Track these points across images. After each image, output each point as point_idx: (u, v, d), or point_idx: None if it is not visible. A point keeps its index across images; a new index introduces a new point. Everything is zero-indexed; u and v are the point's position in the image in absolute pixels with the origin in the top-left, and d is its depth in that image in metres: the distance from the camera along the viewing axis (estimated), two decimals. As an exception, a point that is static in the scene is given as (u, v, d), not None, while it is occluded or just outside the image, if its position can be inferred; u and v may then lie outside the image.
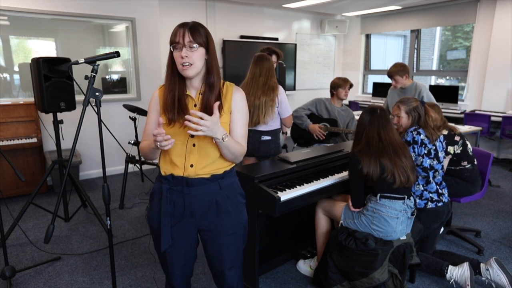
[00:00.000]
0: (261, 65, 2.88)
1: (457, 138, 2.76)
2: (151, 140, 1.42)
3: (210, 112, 1.37)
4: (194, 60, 1.37)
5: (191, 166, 1.45)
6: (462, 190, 2.79)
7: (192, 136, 1.42)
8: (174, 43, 1.37)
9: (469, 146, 2.82)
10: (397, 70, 3.55)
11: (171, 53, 1.41)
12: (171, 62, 1.43)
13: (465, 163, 2.77)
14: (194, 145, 1.44)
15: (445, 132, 2.75)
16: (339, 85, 3.43)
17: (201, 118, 1.28)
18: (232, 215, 1.52)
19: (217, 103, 1.37)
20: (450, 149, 2.74)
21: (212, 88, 1.44)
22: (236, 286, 1.63)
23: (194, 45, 1.36)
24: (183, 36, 1.35)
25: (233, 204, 1.53)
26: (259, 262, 2.30)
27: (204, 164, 1.45)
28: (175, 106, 1.42)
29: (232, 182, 1.55)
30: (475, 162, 2.85)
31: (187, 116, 1.29)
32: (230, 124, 1.49)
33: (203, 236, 1.55)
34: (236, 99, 1.50)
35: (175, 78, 1.44)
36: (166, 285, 1.68)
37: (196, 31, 1.37)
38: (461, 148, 2.76)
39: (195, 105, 1.46)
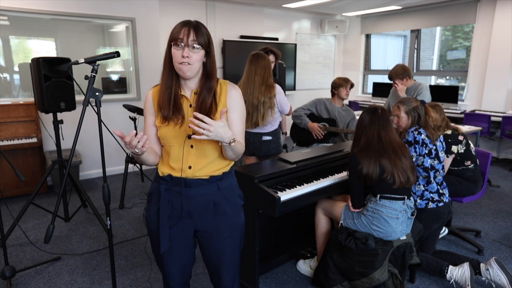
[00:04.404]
0: (256, 64, 2.81)
1: (460, 137, 2.77)
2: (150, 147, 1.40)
3: (204, 113, 1.35)
4: (193, 61, 1.34)
5: (189, 168, 1.43)
6: (465, 190, 2.80)
7: (189, 137, 1.41)
8: (176, 39, 1.34)
9: (472, 146, 2.84)
10: (398, 73, 3.46)
11: (169, 49, 1.38)
12: (169, 59, 1.39)
13: (469, 162, 2.79)
14: (192, 146, 1.42)
15: (449, 131, 2.76)
16: (340, 85, 3.43)
17: (202, 121, 1.23)
18: (229, 217, 1.50)
19: (224, 109, 1.34)
20: (454, 148, 2.74)
21: (209, 91, 1.42)
22: (231, 287, 1.62)
23: (197, 46, 1.34)
24: (188, 35, 1.33)
25: (231, 205, 1.51)
26: (259, 262, 2.29)
27: (202, 165, 1.44)
28: (170, 103, 1.40)
29: (230, 184, 1.53)
30: (477, 162, 2.86)
31: (190, 119, 1.24)
32: (227, 122, 1.45)
33: (199, 237, 1.53)
34: (232, 97, 1.46)
35: (173, 75, 1.41)
36: (164, 287, 1.66)
37: (199, 31, 1.35)
38: (464, 148, 2.78)
39: (190, 106, 1.43)
